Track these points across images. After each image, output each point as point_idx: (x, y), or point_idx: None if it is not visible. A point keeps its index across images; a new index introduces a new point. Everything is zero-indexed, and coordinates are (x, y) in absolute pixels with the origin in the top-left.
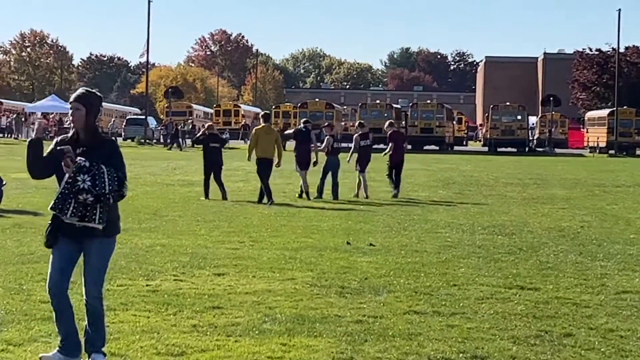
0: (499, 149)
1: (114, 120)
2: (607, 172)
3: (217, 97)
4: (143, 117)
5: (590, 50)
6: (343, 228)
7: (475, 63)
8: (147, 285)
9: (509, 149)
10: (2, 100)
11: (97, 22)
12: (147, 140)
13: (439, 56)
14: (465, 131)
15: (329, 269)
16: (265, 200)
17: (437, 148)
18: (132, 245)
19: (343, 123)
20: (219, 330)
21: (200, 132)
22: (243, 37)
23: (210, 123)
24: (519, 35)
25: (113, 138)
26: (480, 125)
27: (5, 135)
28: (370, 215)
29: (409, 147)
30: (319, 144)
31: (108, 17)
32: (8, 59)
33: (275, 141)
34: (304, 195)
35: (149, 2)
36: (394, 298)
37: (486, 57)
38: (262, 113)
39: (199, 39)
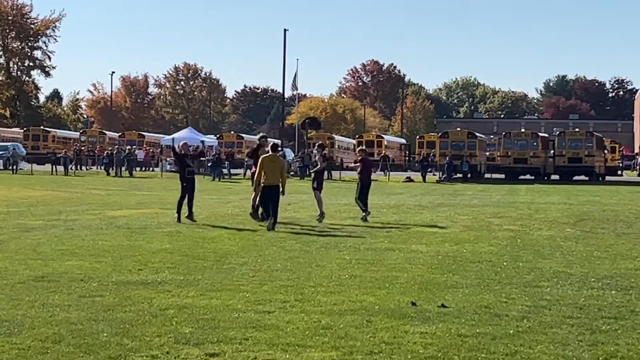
0: None
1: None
2: None
3: (364, 127)
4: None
5: None
6: (423, 281)
7: (635, 90)
8: None
9: None
10: (144, 134)
11: (251, 55)
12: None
13: (596, 83)
14: (620, 160)
15: (361, 347)
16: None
17: (587, 178)
18: (145, 305)
19: (487, 153)
20: None
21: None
22: (395, 67)
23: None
24: None
25: None
26: (637, 154)
27: (142, 168)
28: (466, 263)
29: (557, 177)
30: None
31: (262, 50)
32: (163, 92)
33: (280, 170)
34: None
35: (285, 30)
36: None
37: None
38: (272, 143)
39: (351, 69)
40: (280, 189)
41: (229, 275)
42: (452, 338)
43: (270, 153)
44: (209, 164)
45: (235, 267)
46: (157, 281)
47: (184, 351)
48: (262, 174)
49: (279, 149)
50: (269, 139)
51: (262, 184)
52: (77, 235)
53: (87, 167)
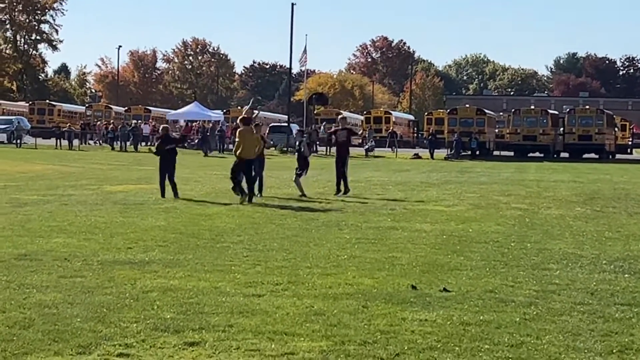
0: None
1: None
2: None
3: (372, 103)
4: (286, 124)
5: None
6: (426, 262)
7: None
8: None
9: None
10: (151, 108)
11: (260, 31)
12: (290, 149)
13: (607, 61)
14: (630, 138)
15: (355, 336)
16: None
17: (597, 156)
18: (127, 287)
19: (497, 130)
20: None
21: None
22: (405, 43)
23: (165, 126)
24: None
25: None
26: None
27: (148, 143)
28: (471, 243)
29: (567, 155)
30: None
31: (271, 26)
32: (171, 67)
33: (257, 142)
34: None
35: (292, 5)
36: None
37: None
38: (242, 117)
39: (360, 45)
40: (259, 159)
41: (221, 255)
42: (454, 326)
43: (244, 127)
44: (195, 140)
45: (230, 245)
46: (145, 261)
47: (161, 339)
48: (240, 147)
49: (254, 121)
50: (255, 111)
51: (240, 157)
52: (70, 211)
53: (94, 142)
